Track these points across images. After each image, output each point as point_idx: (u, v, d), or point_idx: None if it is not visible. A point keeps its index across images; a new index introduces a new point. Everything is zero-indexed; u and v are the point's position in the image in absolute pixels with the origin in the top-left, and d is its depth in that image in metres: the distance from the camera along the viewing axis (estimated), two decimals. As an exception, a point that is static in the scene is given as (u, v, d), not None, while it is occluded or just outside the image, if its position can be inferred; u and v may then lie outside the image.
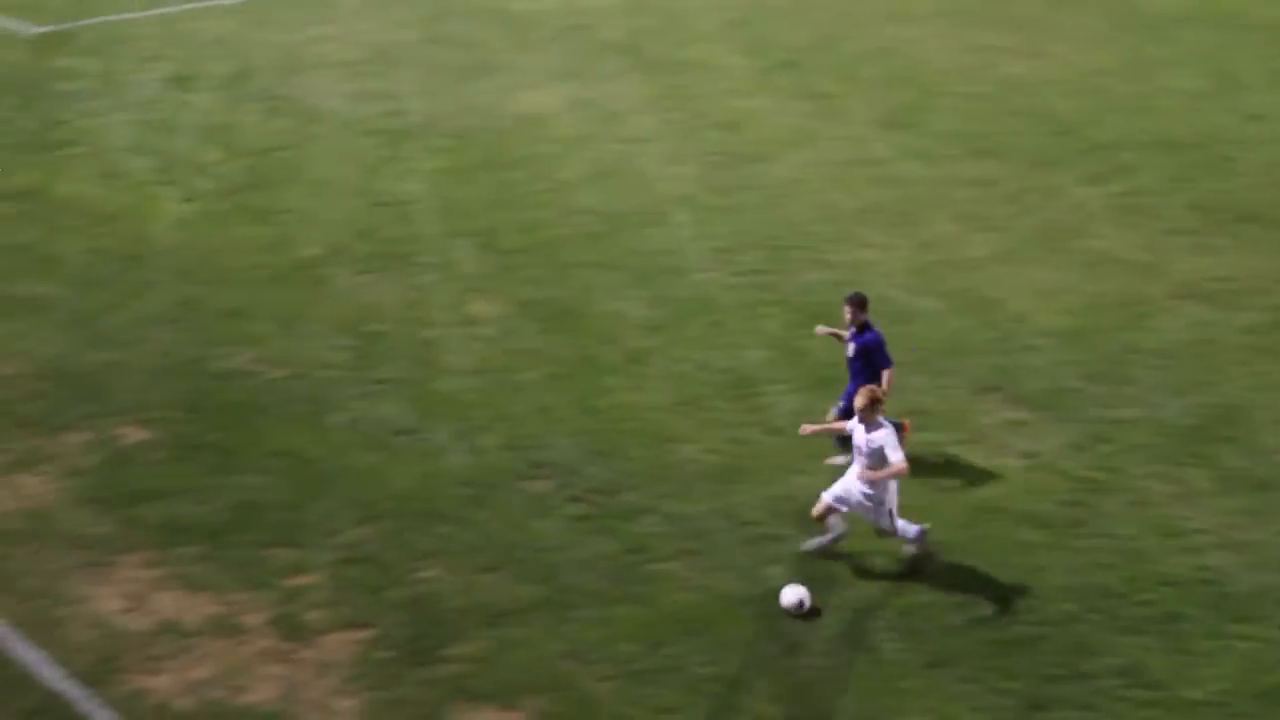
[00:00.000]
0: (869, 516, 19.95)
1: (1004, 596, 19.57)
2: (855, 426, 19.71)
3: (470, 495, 21.33)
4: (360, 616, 19.00)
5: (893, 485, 19.78)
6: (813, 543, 20.24)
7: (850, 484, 19.82)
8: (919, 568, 19.87)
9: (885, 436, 19.47)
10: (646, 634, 18.84)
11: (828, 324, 23.00)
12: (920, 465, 22.03)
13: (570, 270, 27.60)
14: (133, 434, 22.37)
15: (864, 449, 19.61)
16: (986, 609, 19.35)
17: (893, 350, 21.67)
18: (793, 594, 19.19)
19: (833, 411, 22.01)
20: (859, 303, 21.76)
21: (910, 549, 19.98)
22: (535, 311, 26.15)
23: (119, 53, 37.24)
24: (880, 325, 22.33)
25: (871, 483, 19.60)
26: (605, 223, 29.45)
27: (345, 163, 31.79)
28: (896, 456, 19.43)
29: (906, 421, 20.67)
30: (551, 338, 25.34)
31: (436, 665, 18.27)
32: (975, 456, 22.42)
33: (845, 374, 23.09)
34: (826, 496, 19.93)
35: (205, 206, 29.66)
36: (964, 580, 19.85)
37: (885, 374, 21.40)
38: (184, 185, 30.48)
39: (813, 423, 21.06)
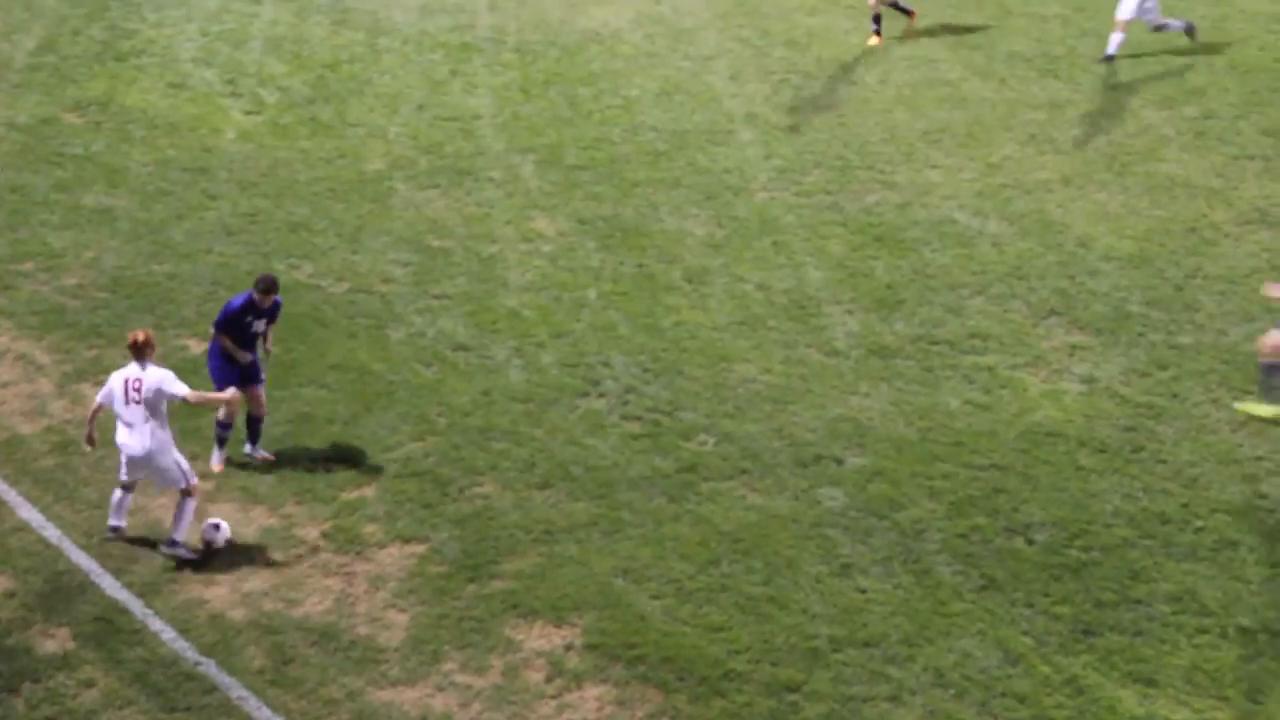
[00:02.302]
0: (157, 481, 18.64)
1: (1059, 521, 19.53)
2: (131, 373, 18.27)
3: (527, 412, 21.39)
4: (415, 531, 19.12)
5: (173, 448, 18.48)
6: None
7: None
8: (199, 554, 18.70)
9: (164, 374, 18.28)
10: (699, 553, 18.90)
11: (888, 246, 22.80)
12: (976, 388, 22.03)
13: (634, 188, 27.53)
14: (194, 346, 22.48)
15: (140, 395, 18.18)
16: (1041, 533, 19.32)
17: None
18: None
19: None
20: (272, 286, 19.96)
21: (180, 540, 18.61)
22: (597, 229, 26.12)
23: (189, -36, 37.27)
24: (945, 248, 22.20)
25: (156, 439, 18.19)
26: (670, 140, 29.35)
27: (411, 76, 31.75)
28: (183, 389, 18.23)
29: None
30: (612, 255, 25.31)
31: (489, 581, 18.39)
32: (1035, 380, 22.32)
33: (905, 295, 23.15)
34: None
35: (271, 119, 29.70)
36: (1019, 504, 19.81)
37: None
38: (250, 97, 30.52)
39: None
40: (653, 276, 24.74)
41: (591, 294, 24.21)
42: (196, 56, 32.16)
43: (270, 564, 18.58)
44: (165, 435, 18.34)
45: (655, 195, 27.26)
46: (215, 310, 23.24)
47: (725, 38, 33.87)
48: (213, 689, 16.86)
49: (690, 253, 25.45)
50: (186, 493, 18.44)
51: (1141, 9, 32.75)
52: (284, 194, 26.95)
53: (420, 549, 18.85)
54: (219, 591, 18.13)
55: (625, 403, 21.64)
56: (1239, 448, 20.97)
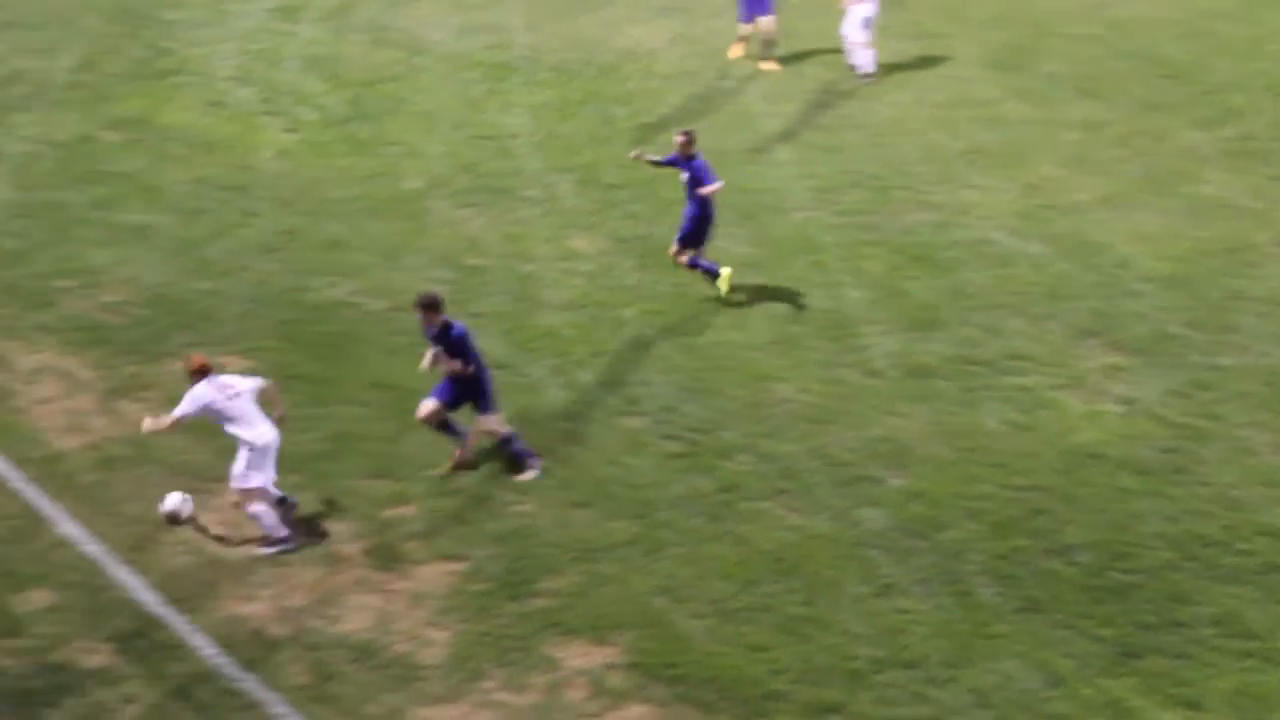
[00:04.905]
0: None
1: (1100, 543, 19.44)
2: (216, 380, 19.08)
3: (566, 430, 21.36)
4: (455, 549, 19.11)
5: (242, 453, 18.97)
6: None
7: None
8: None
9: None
10: (739, 572, 18.86)
11: (926, 266, 22.75)
12: (1015, 408, 21.96)
13: (670, 207, 27.42)
14: (232, 363, 22.47)
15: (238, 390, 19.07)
16: (1083, 555, 19.24)
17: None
18: (171, 502, 19.02)
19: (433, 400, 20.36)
20: (432, 305, 20.00)
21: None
22: (635, 247, 26.10)
23: (226, -18, 37.37)
24: (983, 268, 22.08)
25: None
26: (708, 160, 29.25)
27: (449, 95, 31.79)
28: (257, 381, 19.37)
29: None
30: (650, 274, 25.28)
31: (529, 599, 18.37)
32: (1074, 401, 22.24)
33: (943, 315, 23.11)
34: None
35: (308, 137, 29.76)
36: (1061, 525, 19.74)
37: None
38: (287, 116, 30.58)
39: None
40: (691, 296, 24.70)
41: (629, 313, 24.19)
42: (234, 75, 32.25)
43: (311, 580, 18.59)
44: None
45: (693, 214, 27.19)
46: (256, 328, 23.38)
47: (761, 57, 33.82)
48: (254, 705, 16.86)
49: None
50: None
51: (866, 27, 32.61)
52: (321, 212, 26.99)
53: (460, 567, 18.84)
54: (260, 608, 18.13)
55: (664, 422, 21.61)
56: (1281, 470, 20.92)
